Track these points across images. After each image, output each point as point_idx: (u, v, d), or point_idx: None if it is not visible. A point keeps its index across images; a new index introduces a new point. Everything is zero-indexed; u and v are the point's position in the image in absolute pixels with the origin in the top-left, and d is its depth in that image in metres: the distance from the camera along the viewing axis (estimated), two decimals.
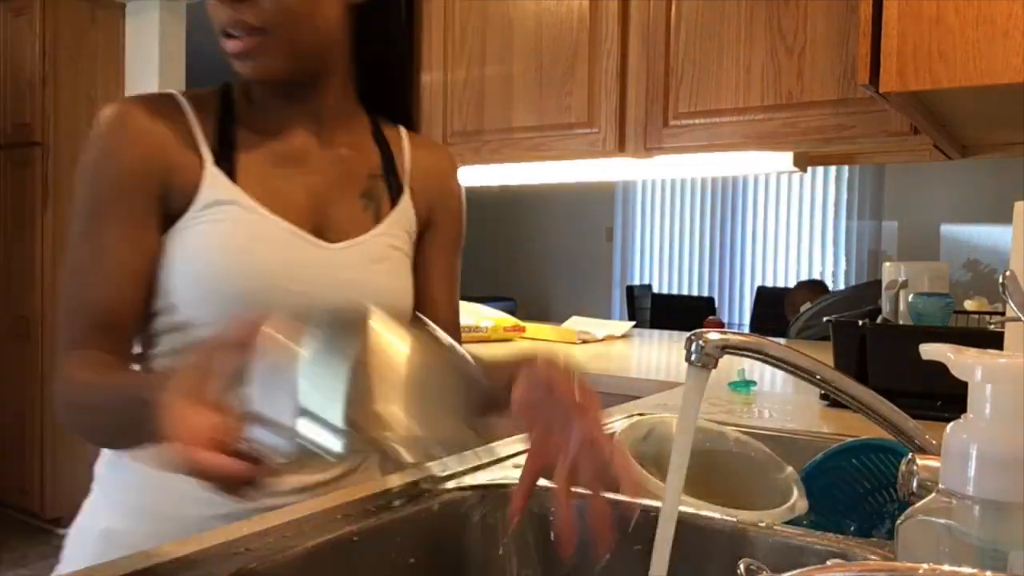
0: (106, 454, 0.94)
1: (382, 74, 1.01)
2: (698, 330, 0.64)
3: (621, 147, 2.03)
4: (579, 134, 2.10)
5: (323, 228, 0.91)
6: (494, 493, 0.92)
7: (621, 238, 7.14)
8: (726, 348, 0.64)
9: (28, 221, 3.73)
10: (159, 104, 0.88)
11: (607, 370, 1.93)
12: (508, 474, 0.96)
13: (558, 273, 7.21)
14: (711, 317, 4.96)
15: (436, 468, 0.97)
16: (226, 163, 0.88)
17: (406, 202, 0.99)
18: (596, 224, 7.15)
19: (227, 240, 0.86)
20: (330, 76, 0.93)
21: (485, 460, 1.01)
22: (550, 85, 2.13)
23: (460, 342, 0.98)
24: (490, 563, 0.90)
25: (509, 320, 2.59)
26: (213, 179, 0.87)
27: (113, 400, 0.75)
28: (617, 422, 1.29)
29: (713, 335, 0.64)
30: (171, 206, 0.87)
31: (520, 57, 2.18)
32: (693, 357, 0.64)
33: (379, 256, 0.94)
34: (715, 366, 0.64)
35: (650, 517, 0.83)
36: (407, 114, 1.05)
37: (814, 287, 3.89)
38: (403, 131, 1.05)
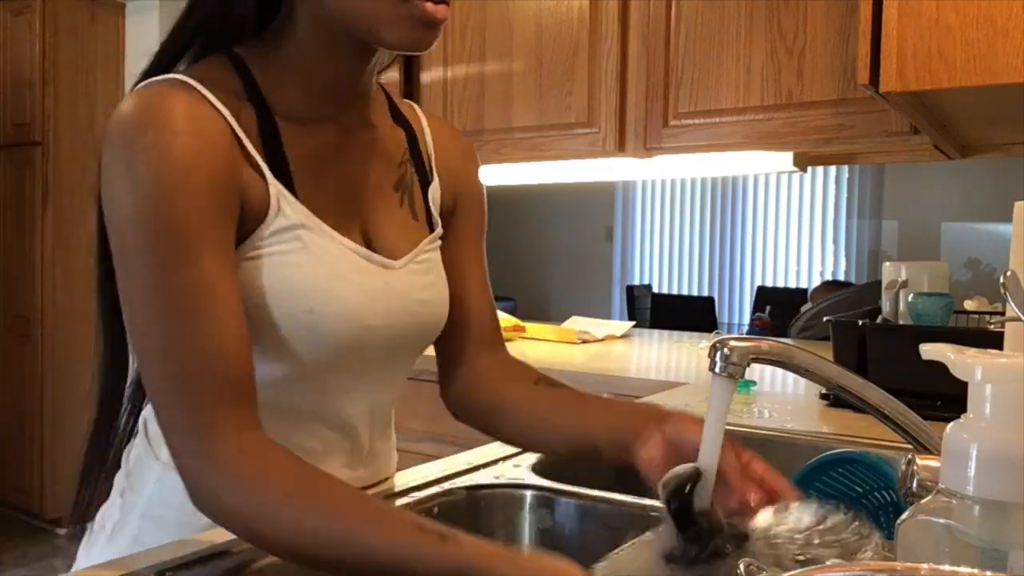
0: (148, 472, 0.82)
1: None
2: (723, 337, 0.60)
3: (621, 147, 2.03)
4: (579, 134, 2.09)
5: (369, 232, 0.81)
6: (494, 493, 0.92)
7: (621, 238, 7.14)
8: (754, 357, 0.60)
9: (28, 221, 3.73)
10: (197, 99, 0.69)
11: (607, 370, 1.93)
12: (507, 474, 0.96)
13: (558, 273, 7.21)
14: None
15: (435, 468, 0.97)
16: (281, 169, 0.73)
17: (435, 190, 0.88)
18: (596, 224, 7.15)
19: (302, 281, 0.73)
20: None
21: (485, 460, 1.01)
22: (550, 85, 2.13)
23: (501, 343, 0.93)
24: None
25: (509, 320, 2.59)
26: (277, 194, 0.72)
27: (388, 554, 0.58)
28: None
29: (740, 343, 0.59)
30: (240, 227, 0.71)
31: (520, 57, 2.18)
32: (718, 367, 0.59)
33: (429, 268, 0.85)
34: (742, 376, 0.60)
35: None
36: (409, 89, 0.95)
37: (831, 287, 3.89)
38: (416, 107, 0.93)
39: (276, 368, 0.75)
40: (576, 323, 2.73)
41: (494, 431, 0.87)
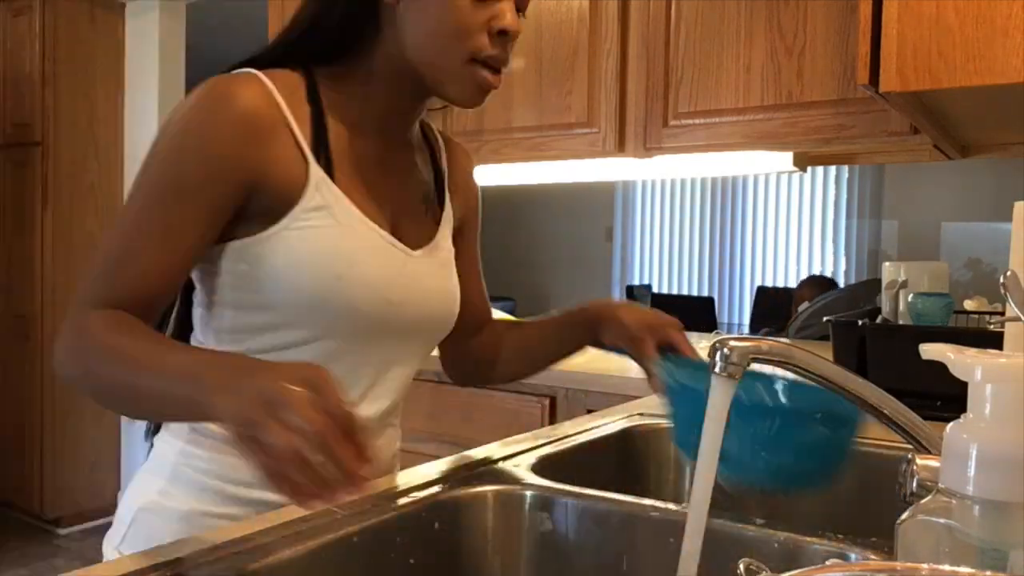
0: (175, 441, 0.88)
1: None
2: (723, 337, 0.60)
3: (621, 147, 2.03)
4: (579, 134, 2.10)
5: (400, 234, 0.90)
6: (494, 493, 0.92)
7: (621, 238, 7.14)
8: (754, 357, 0.59)
9: (28, 221, 3.73)
10: (258, 88, 0.82)
11: (607, 370, 1.93)
12: (507, 474, 0.96)
13: (558, 273, 7.21)
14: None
15: (435, 468, 0.97)
16: (324, 161, 0.84)
17: (449, 203, 1.00)
18: (596, 224, 7.14)
19: (332, 249, 0.83)
20: None
21: (485, 460, 1.01)
22: (550, 85, 2.13)
23: (489, 305, 1.13)
24: (490, 563, 0.90)
25: (509, 320, 2.59)
26: (317, 179, 0.83)
27: (168, 369, 0.70)
28: (618, 421, 1.29)
29: (740, 343, 0.59)
30: (268, 203, 0.82)
31: (520, 57, 2.18)
32: (718, 367, 0.59)
33: (447, 260, 0.97)
34: (741, 376, 0.60)
35: (675, 528, 0.83)
36: None
37: (817, 283, 3.89)
38: (432, 127, 1.04)
39: (299, 333, 0.85)
40: None
41: (490, 380, 1.14)
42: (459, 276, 1.00)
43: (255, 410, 0.60)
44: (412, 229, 0.92)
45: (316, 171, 0.83)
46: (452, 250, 0.99)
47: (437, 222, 0.97)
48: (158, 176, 0.80)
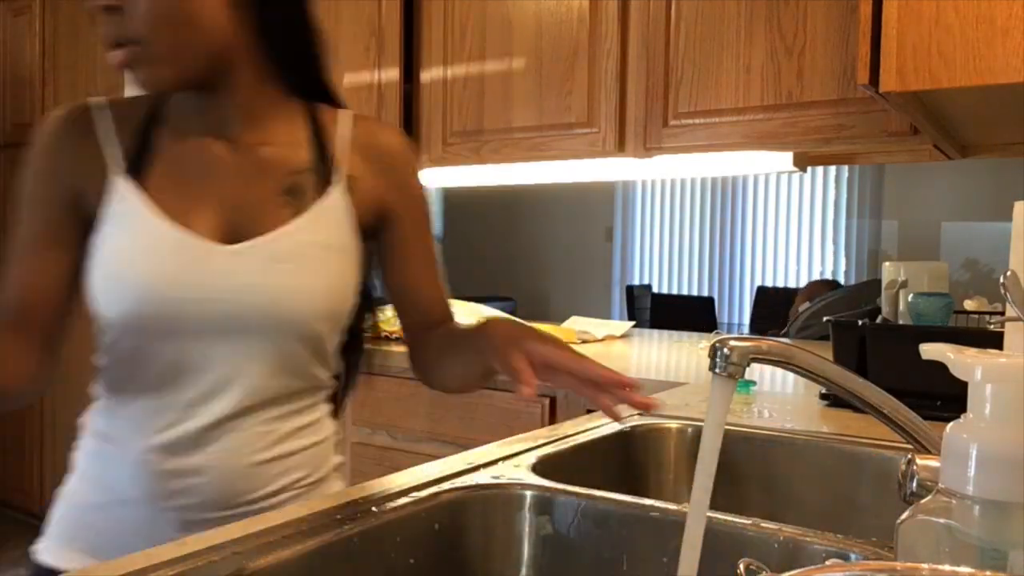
0: (86, 444, 0.99)
1: (296, 59, 0.94)
2: (723, 337, 0.60)
3: (621, 147, 2.03)
4: (579, 134, 2.09)
5: (239, 235, 0.89)
6: (494, 493, 0.92)
7: (621, 238, 7.14)
8: (754, 357, 0.59)
9: None
10: (78, 114, 0.91)
11: None
12: (507, 474, 0.96)
13: (558, 273, 7.21)
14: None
15: (435, 468, 0.97)
16: (136, 173, 0.89)
17: (337, 193, 0.93)
18: (596, 224, 7.14)
19: (122, 250, 0.87)
20: (234, 74, 0.89)
21: (484, 460, 1.01)
22: (550, 85, 2.13)
23: (451, 319, 1.03)
24: (490, 563, 0.90)
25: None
26: (120, 190, 0.88)
27: None
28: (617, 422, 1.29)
29: (740, 343, 0.59)
30: (87, 216, 0.89)
31: (520, 57, 2.18)
32: (718, 367, 0.59)
33: (286, 255, 0.89)
34: (742, 376, 0.60)
35: (675, 528, 0.83)
36: (327, 95, 0.99)
37: (820, 286, 3.88)
38: (348, 116, 0.98)
39: (117, 340, 0.90)
40: (576, 323, 2.73)
41: (435, 387, 1.05)
42: (399, 266, 1.00)
43: None
44: (256, 227, 0.89)
45: (119, 182, 0.88)
46: (330, 244, 0.92)
47: (299, 215, 0.91)
48: (22, 196, 0.92)
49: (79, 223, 0.90)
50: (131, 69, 0.85)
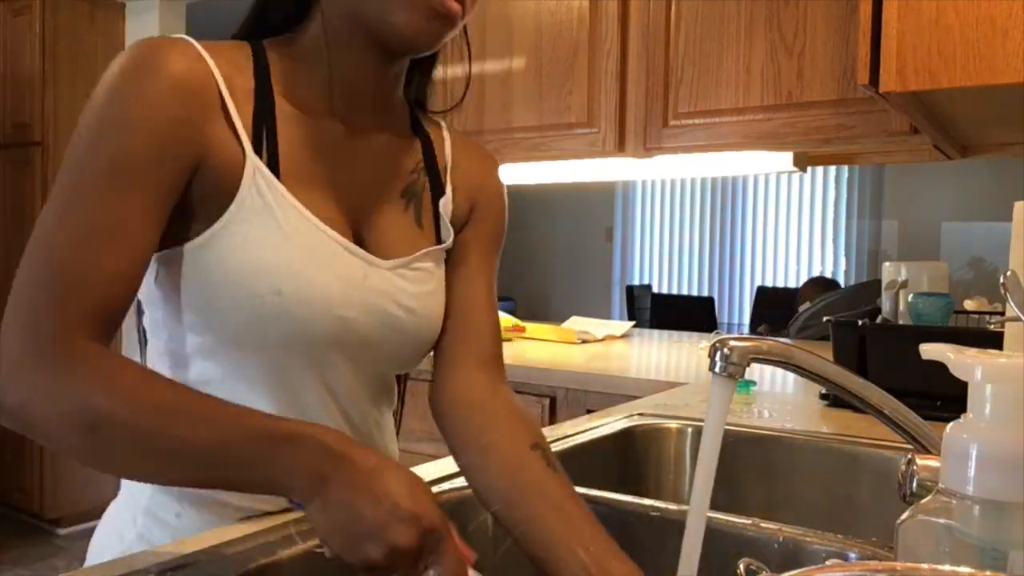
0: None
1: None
2: (722, 337, 0.60)
3: (621, 147, 2.03)
4: (579, 134, 2.09)
5: (362, 231, 0.79)
6: None
7: (621, 238, 7.15)
8: (754, 357, 0.59)
9: (28, 221, 3.72)
10: (192, 53, 0.70)
11: (607, 370, 1.93)
12: None
13: (558, 273, 7.21)
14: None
15: (435, 468, 0.97)
16: (267, 152, 0.73)
17: (447, 203, 0.86)
18: (596, 224, 7.15)
19: (279, 258, 0.72)
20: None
21: None
22: (550, 85, 2.13)
23: (501, 341, 0.90)
24: (490, 564, 0.90)
25: (509, 320, 2.59)
26: (256, 173, 0.72)
27: (240, 436, 0.61)
28: (618, 421, 1.29)
29: (740, 343, 0.59)
30: (203, 194, 0.71)
31: (520, 57, 2.18)
32: (718, 367, 0.59)
33: (425, 278, 0.82)
34: (742, 376, 0.60)
35: (676, 528, 0.83)
36: (423, 102, 0.93)
37: (820, 284, 3.89)
38: (443, 123, 0.93)
39: (236, 359, 0.74)
40: (576, 323, 2.73)
41: (462, 458, 0.82)
42: (458, 281, 0.87)
43: (371, 541, 0.58)
44: (387, 231, 0.81)
45: (254, 162, 0.72)
46: (441, 260, 0.86)
47: (422, 225, 0.84)
48: (99, 160, 0.67)
49: (177, 202, 0.70)
50: (447, 23, 0.72)
